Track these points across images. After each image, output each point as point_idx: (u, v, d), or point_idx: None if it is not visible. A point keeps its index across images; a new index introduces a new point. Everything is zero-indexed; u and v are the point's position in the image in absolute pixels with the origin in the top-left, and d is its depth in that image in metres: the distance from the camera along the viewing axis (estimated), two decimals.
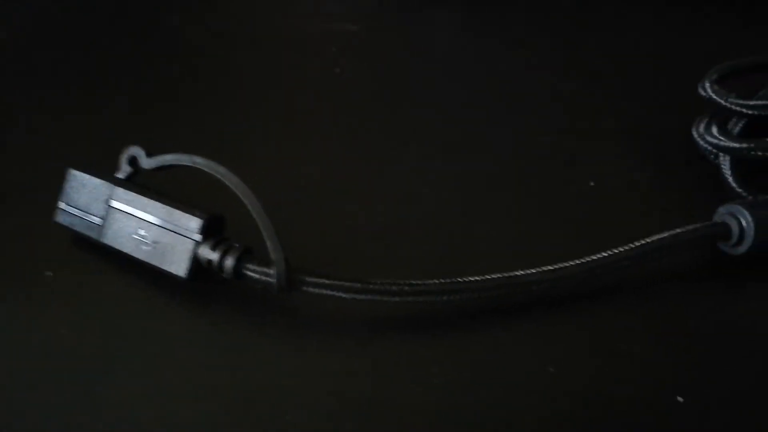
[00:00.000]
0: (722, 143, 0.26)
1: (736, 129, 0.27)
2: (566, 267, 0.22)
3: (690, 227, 0.23)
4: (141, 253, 0.22)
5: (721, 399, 0.21)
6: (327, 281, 0.21)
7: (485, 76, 0.31)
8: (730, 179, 0.26)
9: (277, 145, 0.28)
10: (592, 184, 0.27)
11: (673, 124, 0.28)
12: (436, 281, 0.21)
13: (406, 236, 0.25)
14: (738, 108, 0.26)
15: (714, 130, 0.26)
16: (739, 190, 0.26)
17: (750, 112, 0.26)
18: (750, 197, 0.25)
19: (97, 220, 0.23)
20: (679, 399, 0.21)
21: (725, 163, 0.26)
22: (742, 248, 0.23)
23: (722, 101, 0.27)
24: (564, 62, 0.32)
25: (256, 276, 0.21)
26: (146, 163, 0.23)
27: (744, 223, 0.23)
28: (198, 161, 0.22)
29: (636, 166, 0.27)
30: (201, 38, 0.33)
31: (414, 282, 0.21)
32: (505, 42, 0.32)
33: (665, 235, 0.23)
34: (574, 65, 0.31)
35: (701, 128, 0.27)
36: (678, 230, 0.23)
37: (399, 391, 0.20)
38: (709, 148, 0.27)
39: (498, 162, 0.27)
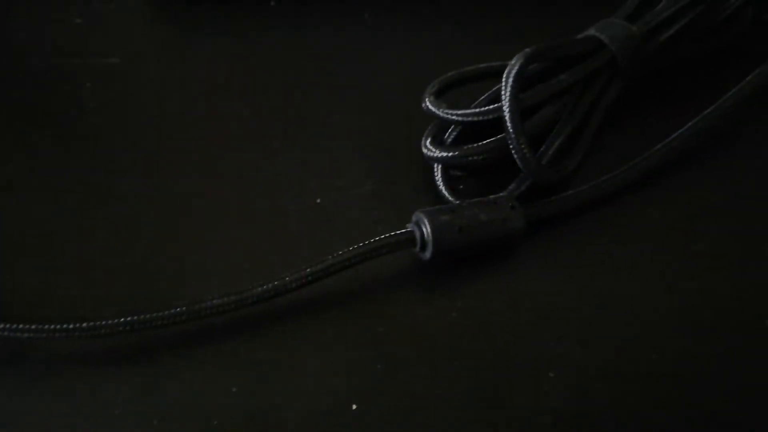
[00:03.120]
0: (430, 153, 0.27)
1: (451, 138, 0.28)
2: (251, 291, 0.23)
3: (380, 237, 0.24)
4: None
5: (395, 404, 0.22)
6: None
7: (232, 102, 0.32)
8: (441, 187, 0.27)
9: (12, 181, 0.28)
10: (318, 201, 0.28)
11: (409, 138, 0.29)
12: (113, 320, 0.22)
13: (124, 264, 0.25)
14: (451, 117, 0.28)
15: (428, 141, 0.28)
16: (450, 197, 0.27)
17: (460, 119, 0.27)
18: (457, 203, 0.26)
19: None
20: (354, 407, 0.22)
21: (437, 171, 0.27)
22: (427, 254, 0.24)
23: (439, 112, 0.28)
24: (292, 78, 0.33)
25: None
26: None
27: (425, 230, 0.24)
28: None
29: (366, 181, 0.28)
30: None
31: (86, 323, 0.22)
32: (245, 65, 0.33)
33: (351, 248, 0.24)
34: (303, 80, 0.32)
35: (424, 140, 0.28)
36: (367, 242, 0.24)
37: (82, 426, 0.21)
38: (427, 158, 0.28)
39: (223, 182, 0.28)
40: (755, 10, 0.33)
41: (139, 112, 0.32)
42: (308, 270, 0.23)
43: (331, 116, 0.31)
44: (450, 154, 0.27)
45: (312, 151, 0.30)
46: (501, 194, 0.26)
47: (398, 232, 0.24)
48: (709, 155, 0.29)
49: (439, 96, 0.29)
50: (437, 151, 0.27)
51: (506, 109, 0.26)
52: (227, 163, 0.29)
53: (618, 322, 0.24)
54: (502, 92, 0.26)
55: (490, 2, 0.36)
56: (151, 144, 0.30)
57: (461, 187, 0.28)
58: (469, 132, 0.28)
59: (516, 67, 0.26)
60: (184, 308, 0.22)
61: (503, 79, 0.26)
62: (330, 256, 0.24)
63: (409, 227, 0.25)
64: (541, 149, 0.28)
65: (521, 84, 0.26)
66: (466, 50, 0.33)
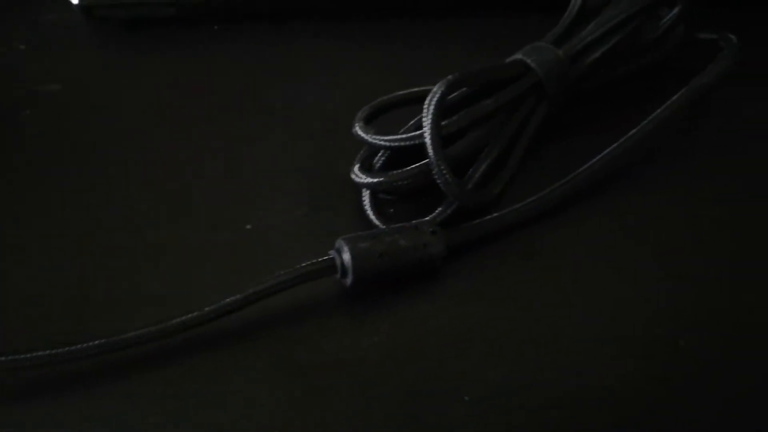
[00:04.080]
0: (358, 179, 0.28)
1: (379, 163, 0.28)
2: (169, 322, 0.23)
3: (300, 266, 0.25)
4: None
5: (313, 430, 0.22)
6: None
7: (168, 127, 0.32)
8: (369, 212, 0.28)
9: None
10: (248, 227, 0.28)
11: (343, 163, 0.29)
12: (30, 354, 0.22)
13: (51, 293, 0.26)
14: (379, 143, 0.28)
15: (356, 167, 0.28)
16: (377, 222, 0.27)
17: (387, 144, 0.28)
18: (379, 229, 0.27)
19: None
20: None
21: (365, 197, 0.28)
22: (349, 280, 0.25)
23: (367, 138, 0.28)
24: (230, 103, 0.33)
25: None
26: None
27: (345, 257, 0.25)
28: None
29: (298, 206, 0.29)
30: None
31: (3, 356, 0.22)
32: (185, 93, 0.34)
33: (272, 277, 0.24)
34: (240, 105, 0.33)
35: (353, 165, 0.29)
36: (288, 270, 0.24)
37: None
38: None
39: (154, 208, 0.29)
40: (687, 28, 0.34)
41: (77, 138, 0.32)
42: (227, 300, 0.23)
43: (264, 141, 0.31)
44: (376, 179, 0.27)
45: (244, 176, 0.30)
46: (424, 219, 0.27)
47: (319, 259, 0.25)
48: (632, 176, 0.30)
49: (370, 121, 0.29)
50: (364, 177, 0.28)
51: (427, 135, 0.26)
52: (159, 188, 0.30)
53: (539, 344, 0.25)
54: (423, 119, 0.26)
55: (426, 27, 0.37)
56: (87, 171, 0.30)
57: (392, 210, 0.29)
58: (400, 156, 0.29)
59: (437, 95, 0.26)
60: (103, 340, 0.23)
61: (424, 107, 0.27)
62: (250, 287, 0.24)
63: (331, 254, 0.25)
64: (468, 173, 0.28)
65: (442, 111, 0.27)
66: (402, 74, 0.33)
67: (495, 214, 0.27)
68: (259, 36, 0.36)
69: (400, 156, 0.28)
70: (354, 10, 0.37)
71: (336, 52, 0.36)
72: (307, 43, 0.36)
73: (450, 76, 0.27)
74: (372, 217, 0.27)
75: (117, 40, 0.37)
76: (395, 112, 0.30)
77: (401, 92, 0.30)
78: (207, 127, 0.32)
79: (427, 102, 0.27)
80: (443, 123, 0.27)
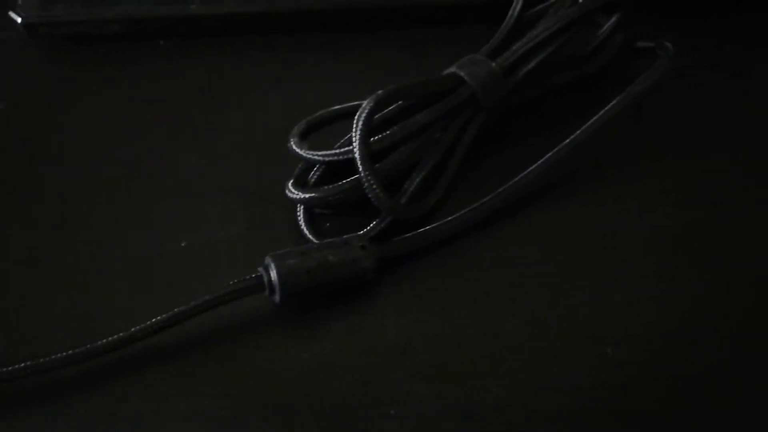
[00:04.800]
0: (291, 195, 0.28)
1: (314, 178, 0.29)
2: (97, 342, 0.23)
3: (228, 284, 0.25)
4: None
5: None
6: None
7: (106, 145, 0.32)
8: (303, 227, 0.28)
9: None
10: (183, 244, 0.28)
11: (281, 179, 0.29)
12: None
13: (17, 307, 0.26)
14: (313, 158, 0.28)
15: (290, 182, 0.28)
16: (312, 237, 0.27)
17: (320, 159, 0.28)
18: (309, 245, 0.27)
19: None
20: None
21: (299, 212, 0.28)
22: (277, 297, 0.25)
23: (301, 153, 0.28)
24: (169, 120, 0.33)
25: None
26: None
27: (272, 273, 0.25)
28: None
29: (234, 223, 0.29)
30: None
31: None
32: (143, 109, 0.34)
33: (200, 298, 0.24)
34: (179, 121, 0.33)
35: (288, 181, 0.29)
36: (216, 290, 0.25)
37: None
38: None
39: (86, 227, 0.29)
40: (626, 37, 0.35)
41: (20, 156, 0.32)
42: (154, 320, 0.24)
43: (204, 156, 0.31)
44: (308, 195, 0.27)
45: (181, 192, 0.30)
46: (356, 234, 0.27)
47: (247, 277, 0.25)
48: (567, 185, 0.30)
49: (305, 136, 0.29)
50: (297, 193, 0.28)
51: (356, 151, 0.26)
52: (98, 205, 0.30)
53: (468, 357, 0.25)
54: (353, 135, 0.27)
55: (369, 40, 0.37)
56: (28, 189, 0.30)
57: (328, 225, 0.29)
58: (336, 171, 0.29)
59: (366, 111, 0.27)
60: (29, 362, 0.23)
61: (354, 122, 0.27)
62: (177, 306, 0.24)
63: (260, 271, 0.25)
64: (403, 187, 0.28)
65: (371, 126, 0.27)
66: (343, 89, 0.33)
67: (428, 227, 0.28)
68: (204, 52, 0.36)
69: (337, 171, 0.29)
70: (296, 27, 0.37)
71: (279, 68, 0.35)
72: (251, 59, 0.36)
73: (380, 91, 0.27)
74: (306, 232, 0.28)
75: (61, 57, 0.36)
76: (337, 125, 0.30)
77: (337, 107, 0.30)
78: (148, 144, 0.32)
79: (356, 118, 0.27)
80: (377, 137, 0.28)
